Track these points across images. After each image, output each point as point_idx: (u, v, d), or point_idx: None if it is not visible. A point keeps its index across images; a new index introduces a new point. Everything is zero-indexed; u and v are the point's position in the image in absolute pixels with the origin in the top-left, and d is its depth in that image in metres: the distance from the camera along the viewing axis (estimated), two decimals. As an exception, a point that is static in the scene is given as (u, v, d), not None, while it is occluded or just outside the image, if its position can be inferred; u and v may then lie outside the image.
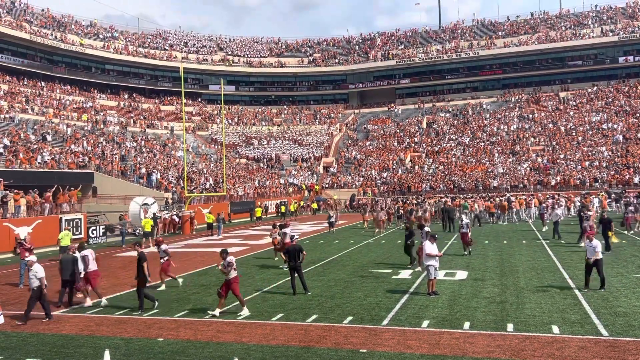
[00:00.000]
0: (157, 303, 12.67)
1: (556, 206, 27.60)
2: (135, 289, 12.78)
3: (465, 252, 19.29)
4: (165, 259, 15.36)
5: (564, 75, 69.75)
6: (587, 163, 48.34)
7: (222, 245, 25.82)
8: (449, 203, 34.43)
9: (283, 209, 44.78)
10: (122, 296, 14.45)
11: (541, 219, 28.62)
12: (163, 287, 15.17)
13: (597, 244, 12.98)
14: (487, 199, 37.76)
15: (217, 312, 11.74)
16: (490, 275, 15.35)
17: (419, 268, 16.47)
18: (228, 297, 13.37)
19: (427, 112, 71.07)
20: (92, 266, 13.52)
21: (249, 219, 43.17)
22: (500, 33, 74.09)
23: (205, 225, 33.52)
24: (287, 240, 17.90)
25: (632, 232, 23.74)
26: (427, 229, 17.03)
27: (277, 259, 19.57)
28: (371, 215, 34.32)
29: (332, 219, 31.36)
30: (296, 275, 13.62)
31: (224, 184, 42.41)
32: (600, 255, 12.92)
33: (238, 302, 11.94)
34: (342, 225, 34.74)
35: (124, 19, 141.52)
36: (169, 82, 72.31)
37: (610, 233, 19.10)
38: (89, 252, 13.63)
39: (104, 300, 13.38)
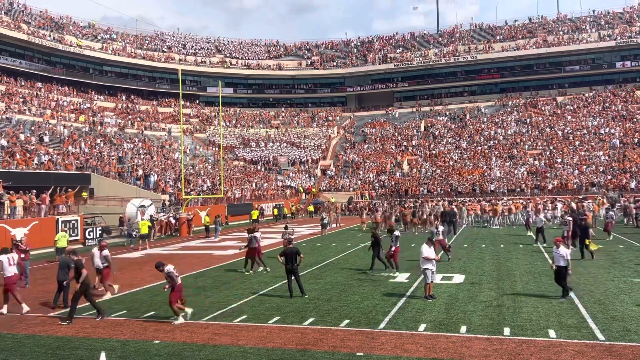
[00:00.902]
0: (102, 317, 11.97)
1: (541, 211, 27.72)
2: (73, 295, 12.13)
3: (446, 259, 18.78)
4: (105, 265, 14.50)
5: (561, 80, 70.00)
6: (584, 167, 48.46)
7: (219, 248, 25.84)
8: (451, 206, 34.58)
9: (276, 211, 44.59)
10: (118, 298, 14.40)
11: (526, 223, 28.98)
12: (108, 295, 14.34)
13: (564, 251, 12.61)
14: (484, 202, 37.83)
15: (189, 311, 11.58)
16: (487, 279, 15.37)
17: (396, 272, 16.37)
18: (226, 300, 13.38)
19: (425, 115, 71.18)
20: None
21: (246, 221, 43.10)
22: (498, 37, 74.32)
23: (204, 227, 33.45)
24: (255, 245, 17.70)
25: (611, 237, 23.41)
26: (397, 233, 17.06)
27: (249, 271, 17.92)
28: (369, 217, 34.63)
29: (325, 221, 31.95)
30: (293, 278, 13.60)
31: (221, 186, 42.38)
32: (562, 263, 12.48)
33: (233, 306, 11.92)
34: (340, 228, 34.71)
35: (122, 20, 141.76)
36: (167, 84, 72.29)
37: (587, 241, 18.63)
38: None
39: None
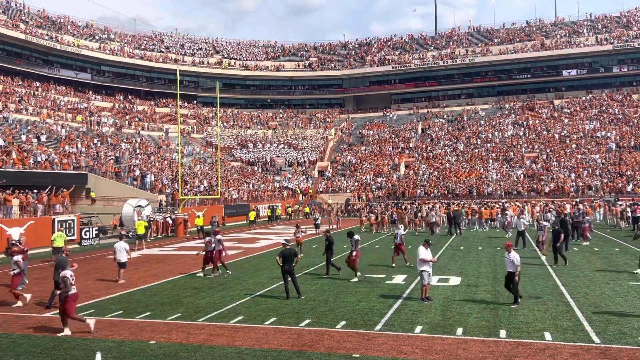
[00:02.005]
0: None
1: (521, 215, 27.69)
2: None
3: (408, 263, 17.97)
4: (16, 271, 14.02)
5: (558, 83, 70.22)
6: (581, 171, 48.59)
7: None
8: (456, 207, 34.72)
9: (269, 212, 44.35)
10: (115, 298, 14.37)
11: (502, 227, 29.41)
12: (19, 303, 13.87)
13: (515, 256, 12.21)
14: (481, 205, 37.86)
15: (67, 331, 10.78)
16: (484, 281, 15.39)
17: (356, 279, 15.80)
18: (222, 301, 13.36)
19: (422, 117, 71.28)
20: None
21: (243, 222, 43.07)
22: (496, 40, 74.52)
23: (196, 229, 33.28)
24: (220, 247, 17.35)
25: (587, 242, 22.85)
26: (356, 237, 16.48)
27: (203, 273, 17.80)
28: (367, 219, 34.91)
29: (318, 221, 34.21)
30: (290, 279, 13.59)
31: (218, 187, 42.35)
32: (511, 268, 12.14)
33: (229, 307, 11.89)
34: (340, 229, 34.68)
35: (119, 20, 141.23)
36: (164, 84, 72.19)
37: (548, 247, 18.06)
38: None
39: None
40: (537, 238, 18.97)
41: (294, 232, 23.07)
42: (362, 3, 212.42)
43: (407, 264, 18.03)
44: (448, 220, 31.18)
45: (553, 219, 27.10)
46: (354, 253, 16.12)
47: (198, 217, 33.27)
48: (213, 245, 17.43)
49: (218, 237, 17.59)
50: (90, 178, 36.90)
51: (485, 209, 34.49)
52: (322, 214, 46.89)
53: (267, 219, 46.00)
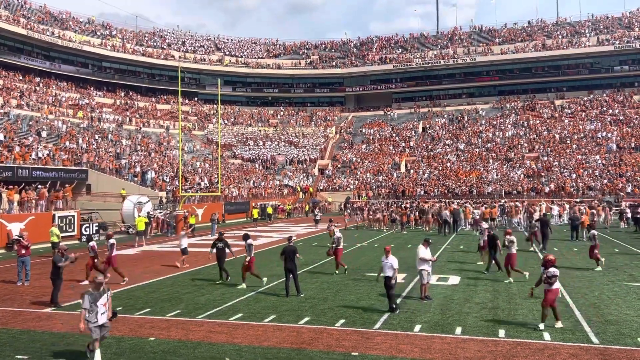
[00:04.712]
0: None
1: (516, 214, 27.68)
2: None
3: (337, 271, 17.04)
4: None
5: (559, 83, 70.18)
6: (581, 171, 48.58)
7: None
8: (455, 206, 34.73)
9: (255, 213, 40.20)
10: (114, 294, 14.35)
11: (471, 226, 30.01)
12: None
13: (393, 260, 11.81)
14: (482, 205, 37.85)
15: None
16: (483, 280, 15.40)
17: (243, 285, 14.79)
18: (221, 298, 13.37)
19: (423, 116, 71.26)
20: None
21: (243, 219, 43.05)
22: (497, 40, 74.46)
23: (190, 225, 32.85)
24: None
25: (540, 246, 21.90)
26: (250, 241, 15.21)
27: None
28: (367, 216, 35.20)
29: (318, 217, 35.30)
30: (291, 276, 13.61)
31: (218, 184, 42.35)
32: (390, 273, 11.68)
33: (228, 304, 11.90)
34: (340, 227, 34.63)
35: (119, 17, 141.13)
36: (165, 81, 72.16)
37: (485, 252, 17.18)
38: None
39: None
40: (479, 243, 17.93)
41: (327, 225, 26.18)
42: (362, 2, 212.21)
43: (337, 271, 17.01)
44: (440, 219, 31.10)
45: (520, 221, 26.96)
46: (248, 258, 14.87)
47: (192, 216, 33.02)
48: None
49: (111, 240, 16.46)
50: (90, 174, 36.91)
51: (486, 208, 34.48)
52: (323, 211, 46.92)
53: (250, 218, 41.69)
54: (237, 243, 22.46)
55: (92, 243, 16.32)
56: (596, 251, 17.18)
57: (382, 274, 11.98)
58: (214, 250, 15.81)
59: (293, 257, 13.57)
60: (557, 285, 10.42)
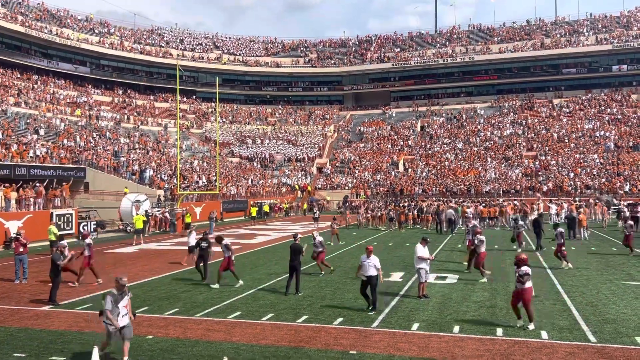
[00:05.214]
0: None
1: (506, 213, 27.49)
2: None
3: (323, 272, 16.63)
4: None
5: (558, 82, 70.24)
6: (579, 170, 48.67)
7: (213, 245, 25.74)
8: (453, 205, 34.70)
9: (253, 211, 39.78)
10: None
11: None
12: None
13: (375, 260, 11.72)
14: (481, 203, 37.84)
15: None
16: (481, 279, 15.40)
17: (217, 285, 14.60)
18: (219, 296, 13.37)
19: (422, 115, 71.27)
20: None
21: (241, 217, 43.00)
22: (495, 39, 74.48)
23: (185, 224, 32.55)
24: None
25: (520, 249, 21.28)
26: (225, 241, 15.01)
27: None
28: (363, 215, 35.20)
29: (316, 215, 35.58)
30: (294, 274, 13.62)
31: (217, 183, 42.32)
32: (374, 272, 11.62)
33: (226, 303, 11.89)
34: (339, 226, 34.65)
35: (117, 14, 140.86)
36: (163, 79, 72.09)
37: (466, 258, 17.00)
38: None
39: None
40: (465, 243, 17.72)
41: (330, 224, 26.43)
42: (360, 1, 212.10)
43: (322, 273, 16.61)
44: (438, 218, 31.11)
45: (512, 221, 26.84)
46: (229, 258, 14.79)
47: (188, 214, 32.71)
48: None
49: (62, 241, 15.45)
50: (88, 172, 36.89)
51: (484, 207, 34.51)
52: (322, 209, 46.94)
53: (248, 217, 40.70)
54: (232, 241, 22.42)
55: (88, 240, 16.16)
56: (563, 249, 17.22)
57: (364, 273, 11.76)
58: (197, 250, 16.12)
59: (298, 255, 13.59)
60: (529, 284, 10.26)
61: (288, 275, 13.93)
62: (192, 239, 18.58)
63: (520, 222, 22.81)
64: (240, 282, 14.92)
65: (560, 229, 17.82)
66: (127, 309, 8.69)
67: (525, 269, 10.27)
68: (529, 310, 10.23)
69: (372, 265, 11.71)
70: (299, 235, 14.79)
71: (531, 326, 10.20)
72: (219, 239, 15.31)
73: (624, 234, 21.10)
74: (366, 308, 11.82)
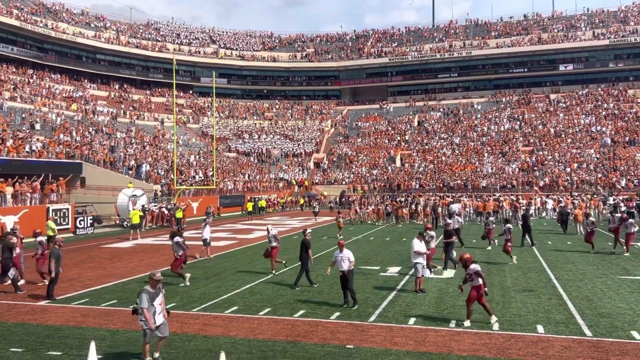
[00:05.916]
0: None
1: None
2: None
3: (274, 272, 15.90)
4: (180, 253, 14.20)
5: (554, 78, 70.29)
6: (575, 165, 48.78)
7: (211, 239, 25.73)
8: (450, 200, 34.77)
9: (250, 206, 39.79)
10: (109, 287, 14.37)
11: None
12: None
13: (348, 253, 11.75)
14: (476, 198, 37.93)
15: None
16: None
17: (188, 283, 14.37)
18: (217, 291, 13.35)
19: (419, 110, 71.26)
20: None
21: (238, 212, 42.97)
22: (493, 34, 74.42)
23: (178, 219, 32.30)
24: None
25: (489, 248, 20.91)
26: (177, 239, 14.79)
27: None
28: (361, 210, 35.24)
29: (316, 209, 36.71)
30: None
31: (213, 178, 42.27)
32: (346, 267, 11.60)
33: (224, 297, 11.89)
34: (331, 222, 34.74)
35: (112, 8, 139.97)
36: (160, 74, 71.80)
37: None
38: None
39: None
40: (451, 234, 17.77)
41: (335, 217, 27.62)
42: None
43: (274, 272, 15.96)
44: (434, 213, 31.07)
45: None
46: (179, 254, 14.68)
47: (179, 210, 32.26)
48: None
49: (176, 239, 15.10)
50: (84, 167, 36.78)
51: (480, 202, 34.54)
52: (321, 204, 46.92)
53: (245, 212, 41.20)
54: (229, 236, 22.31)
55: (40, 238, 15.28)
56: (509, 244, 17.26)
57: (339, 268, 11.74)
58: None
59: (305, 250, 13.79)
60: (480, 281, 10.22)
61: (299, 269, 14.03)
62: (207, 233, 18.86)
63: (491, 219, 22.76)
64: (187, 280, 14.47)
65: (509, 225, 17.80)
66: (162, 307, 8.41)
67: (473, 267, 10.25)
68: (485, 306, 10.28)
69: (346, 258, 11.68)
70: (309, 230, 14.79)
71: (467, 323, 10.13)
72: (172, 235, 15.29)
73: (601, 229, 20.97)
74: (342, 304, 11.69)
